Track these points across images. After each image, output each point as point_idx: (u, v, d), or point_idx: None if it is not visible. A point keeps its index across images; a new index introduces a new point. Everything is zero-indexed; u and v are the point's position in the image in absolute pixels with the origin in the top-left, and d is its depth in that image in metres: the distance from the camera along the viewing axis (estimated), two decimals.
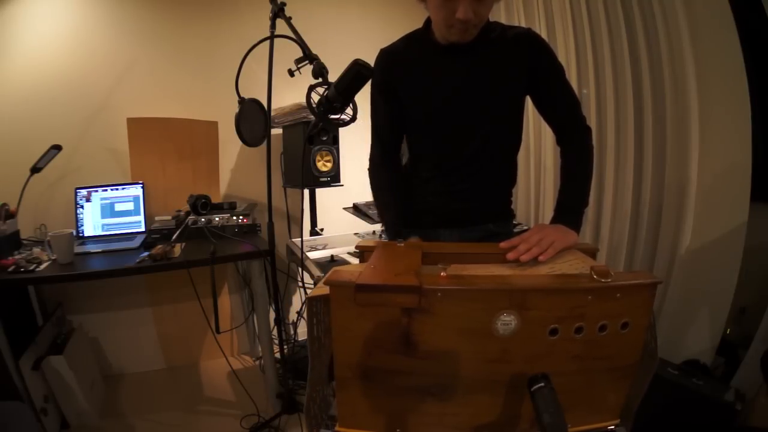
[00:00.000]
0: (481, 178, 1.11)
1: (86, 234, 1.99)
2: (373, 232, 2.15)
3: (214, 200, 2.10)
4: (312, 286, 2.30)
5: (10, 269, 1.54)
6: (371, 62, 1.05)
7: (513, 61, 1.03)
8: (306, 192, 2.28)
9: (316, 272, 1.67)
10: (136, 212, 2.07)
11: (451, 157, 1.10)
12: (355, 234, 2.19)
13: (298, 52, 1.28)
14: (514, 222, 1.24)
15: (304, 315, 2.51)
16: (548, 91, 1.07)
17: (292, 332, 2.61)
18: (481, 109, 1.05)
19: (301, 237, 1.39)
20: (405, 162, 1.25)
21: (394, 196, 1.16)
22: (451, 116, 1.07)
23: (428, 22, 1.07)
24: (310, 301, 0.68)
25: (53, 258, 1.65)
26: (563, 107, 1.08)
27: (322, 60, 1.24)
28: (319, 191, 2.29)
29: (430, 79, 1.07)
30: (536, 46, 1.04)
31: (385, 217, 1.16)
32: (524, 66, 1.03)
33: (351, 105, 1.11)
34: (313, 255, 1.83)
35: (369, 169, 1.22)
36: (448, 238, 1.14)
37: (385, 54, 1.13)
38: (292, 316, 2.64)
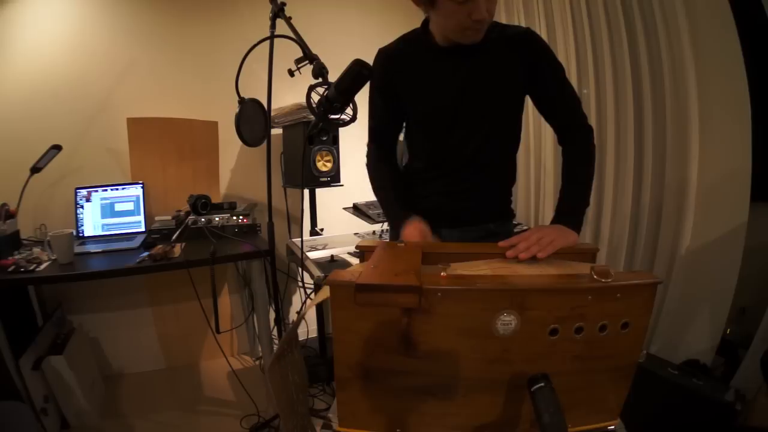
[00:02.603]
0: (481, 177, 1.11)
1: (86, 234, 1.99)
2: (373, 232, 2.15)
3: (214, 200, 2.10)
4: (312, 286, 2.31)
5: (10, 269, 1.54)
6: (371, 62, 1.06)
7: (512, 61, 1.02)
8: (306, 192, 2.28)
9: (316, 272, 1.67)
10: (136, 212, 2.06)
11: (451, 157, 1.10)
12: (355, 234, 2.19)
13: (298, 52, 1.28)
14: (514, 222, 1.24)
15: (305, 315, 2.51)
16: (548, 91, 1.07)
17: None
18: (480, 110, 1.05)
19: (301, 237, 1.39)
20: (405, 162, 1.25)
21: (395, 187, 1.16)
22: (451, 117, 1.07)
23: (425, 24, 1.06)
24: (272, 369, 0.67)
25: (53, 258, 1.65)
26: (564, 107, 1.07)
27: (322, 60, 1.24)
28: (319, 191, 2.29)
29: (429, 81, 1.07)
30: (535, 46, 1.04)
31: (390, 207, 1.15)
32: (524, 66, 1.03)
33: (351, 105, 1.11)
34: (313, 255, 1.83)
35: (367, 165, 1.22)
36: (447, 237, 1.14)
37: (383, 54, 1.13)
38: (292, 316, 2.64)
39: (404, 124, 1.21)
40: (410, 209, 1.08)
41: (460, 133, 1.07)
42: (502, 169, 1.15)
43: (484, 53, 1.01)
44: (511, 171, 1.19)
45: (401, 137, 1.24)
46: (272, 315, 1.99)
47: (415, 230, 0.98)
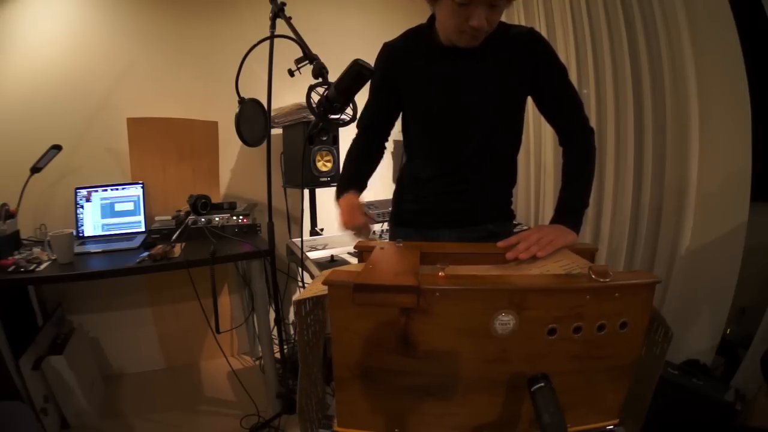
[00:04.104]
0: (481, 178, 1.11)
1: (86, 234, 1.99)
2: (373, 232, 2.14)
3: (214, 200, 2.10)
4: None
5: (10, 269, 1.54)
6: (371, 62, 1.06)
7: (515, 61, 1.02)
8: (306, 192, 2.28)
9: (316, 272, 1.67)
10: (136, 212, 2.07)
11: (451, 157, 1.10)
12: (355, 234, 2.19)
13: (298, 52, 1.28)
14: (514, 222, 1.24)
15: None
16: (550, 92, 1.07)
17: (292, 332, 2.61)
18: (481, 110, 1.05)
19: (301, 237, 1.39)
20: (404, 162, 1.25)
21: (357, 164, 1.21)
22: (452, 116, 1.07)
23: (431, 20, 1.06)
24: (298, 305, 0.68)
25: (53, 258, 1.65)
26: (566, 108, 1.07)
27: (322, 60, 1.24)
28: (319, 191, 2.29)
29: (431, 79, 1.07)
30: (538, 46, 1.04)
31: (342, 178, 1.20)
32: (526, 66, 1.03)
33: (351, 105, 1.12)
34: (313, 255, 1.83)
35: (349, 148, 1.24)
36: (447, 238, 1.14)
37: (388, 48, 1.13)
38: (292, 316, 2.64)
39: (402, 124, 1.21)
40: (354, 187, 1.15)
41: (459, 133, 1.07)
42: (501, 170, 1.15)
43: (485, 53, 1.01)
44: (512, 171, 1.19)
45: (400, 138, 1.24)
46: (272, 315, 1.99)
47: (346, 203, 1.04)
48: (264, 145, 1.64)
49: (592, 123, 1.09)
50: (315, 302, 0.73)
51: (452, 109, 1.06)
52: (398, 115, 1.20)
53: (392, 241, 0.87)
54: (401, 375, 0.65)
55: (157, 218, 2.06)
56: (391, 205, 1.28)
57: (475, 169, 1.10)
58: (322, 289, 0.68)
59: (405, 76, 1.10)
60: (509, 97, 1.07)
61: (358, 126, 1.24)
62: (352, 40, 2.52)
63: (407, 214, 1.20)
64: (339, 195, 1.12)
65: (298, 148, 2.11)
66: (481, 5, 0.88)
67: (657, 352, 0.68)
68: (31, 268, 1.56)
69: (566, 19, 2.05)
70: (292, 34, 1.33)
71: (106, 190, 2.03)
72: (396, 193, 1.27)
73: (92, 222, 2.01)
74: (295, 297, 0.69)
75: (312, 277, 1.71)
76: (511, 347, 0.61)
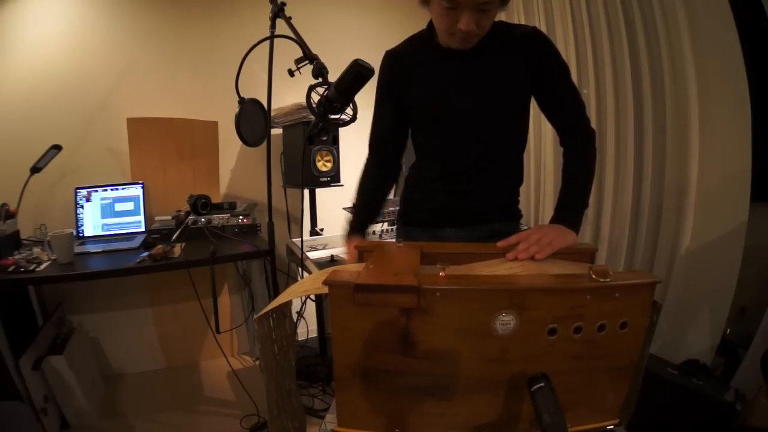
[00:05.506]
0: (488, 177, 1.11)
1: (86, 234, 1.99)
2: (373, 233, 2.15)
3: (214, 200, 2.10)
4: None
5: (10, 269, 1.54)
6: (371, 62, 1.06)
7: (518, 60, 1.02)
8: (306, 192, 2.28)
9: (316, 272, 1.67)
10: (136, 212, 2.07)
11: (458, 157, 1.10)
12: None
13: (298, 52, 1.28)
14: (520, 222, 1.24)
15: (304, 315, 2.51)
16: (553, 92, 1.07)
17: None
18: (486, 110, 1.05)
19: (301, 237, 1.39)
20: (410, 165, 1.25)
21: (370, 195, 1.20)
22: (457, 117, 1.06)
23: (431, 24, 1.07)
24: (261, 320, 0.67)
25: (53, 258, 1.65)
26: (567, 109, 1.07)
27: (322, 60, 1.24)
28: (319, 191, 2.29)
29: (435, 81, 1.07)
30: (542, 46, 1.03)
31: (354, 214, 1.18)
32: (529, 65, 1.03)
33: (351, 105, 1.11)
34: (313, 255, 1.83)
35: (361, 171, 1.23)
36: (453, 237, 1.14)
37: (390, 56, 1.13)
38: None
39: (410, 125, 1.21)
40: (364, 228, 1.15)
41: (463, 134, 1.07)
42: (507, 170, 1.15)
43: (487, 54, 1.01)
44: (518, 171, 1.19)
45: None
46: None
47: (351, 254, 0.96)
48: (264, 145, 1.64)
49: (592, 123, 1.09)
50: (281, 315, 0.73)
51: (457, 110, 1.06)
52: (408, 125, 1.18)
53: (392, 240, 0.86)
54: (401, 375, 0.65)
55: (157, 218, 2.06)
56: (399, 205, 1.28)
57: (481, 169, 1.10)
58: (284, 299, 0.68)
59: (410, 80, 1.10)
60: (514, 96, 1.07)
61: (371, 152, 1.21)
62: (352, 40, 2.52)
63: (415, 213, 1.20)
64: (348, 234, 1.13)
65: (298, 148, 2.11)
66: (469, 9, 0.87)
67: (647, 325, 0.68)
68: (31, 268, 1.56)
69: (566, 18, 2.05)
70: (292, 34, 1.33)
71: (106, 190, 2.03)
72: (403, 192, 1.27)
73: (92, 222, 2.01)
74: (259, 313, 0.69)
75: None
76: (512, 347, 0.61)
